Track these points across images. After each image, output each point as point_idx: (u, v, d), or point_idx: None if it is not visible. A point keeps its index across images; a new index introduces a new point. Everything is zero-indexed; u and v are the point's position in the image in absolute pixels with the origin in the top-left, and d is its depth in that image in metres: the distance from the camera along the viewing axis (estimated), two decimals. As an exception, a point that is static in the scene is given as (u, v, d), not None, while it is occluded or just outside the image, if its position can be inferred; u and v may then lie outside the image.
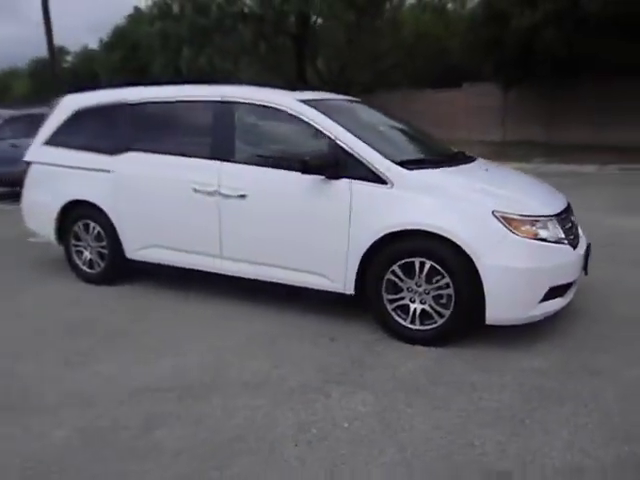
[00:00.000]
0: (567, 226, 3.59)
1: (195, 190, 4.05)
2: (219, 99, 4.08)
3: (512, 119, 17.34)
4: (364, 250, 3.53)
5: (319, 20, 16.70)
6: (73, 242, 4.84)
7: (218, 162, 4.00)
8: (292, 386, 3.01)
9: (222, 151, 4.01)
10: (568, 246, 3.48)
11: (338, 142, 3.62)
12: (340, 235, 3.60)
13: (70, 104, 4.89)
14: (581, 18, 11.08)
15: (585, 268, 3.71)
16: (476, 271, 3.25)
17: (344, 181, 3.57)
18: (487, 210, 3.31)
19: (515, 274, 3.24)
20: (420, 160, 3.80)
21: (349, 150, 3.59)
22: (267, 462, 2.38)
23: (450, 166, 3.84)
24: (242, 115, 4.05)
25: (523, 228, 3.29)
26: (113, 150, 4.50)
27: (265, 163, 3.90)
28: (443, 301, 3.41)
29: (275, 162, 3.87)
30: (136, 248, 4.49)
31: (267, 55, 17.10)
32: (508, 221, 3.28)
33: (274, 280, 3.96)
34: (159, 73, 17.30)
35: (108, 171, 4.49)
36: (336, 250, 3.64)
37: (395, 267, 3.48)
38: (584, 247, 3.70)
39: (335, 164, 3.57)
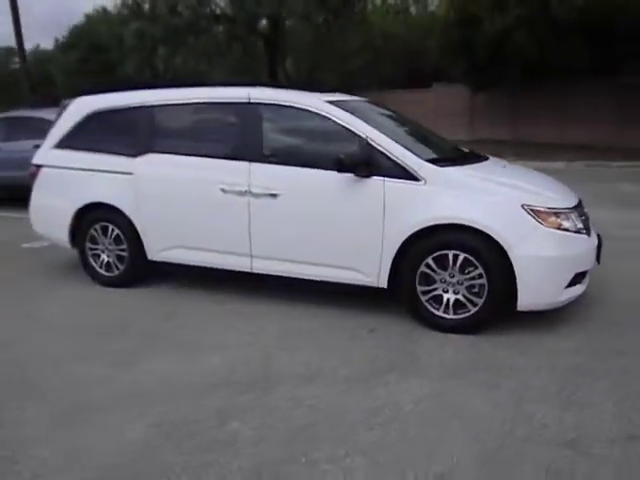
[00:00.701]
0: (583, 218, 3.85)
1: (224, 190, 4.12)
2: (246, 100, 4.17)
3: (480, 119, 17.94)
4: (398, 245, 3.70)
5: (290, 21, 16.79)
6: (89, 245, 4.81)
7: (247, 163, 4.08)
8: (346, 375, 3.15)
9: (251, 152, 4.09)
10: (585, 236, 3.74)
11: (370, 141, 3.76)
12: (374, 231, 3.75)
13: (82, 107, 4.86)
14: (551, 22, 11.63)
15: (598, 258, 3.97)
16: (508, 261, 3.46)
17: (377, 179, 3.73)
18: (517, 203, 3.53)
19: (545, 262, 3.47)
20: (445, 158, 3.99)
21: (381, 149, 3.74)
22: (347, 445, 2.51)
23: (472, 163, 4.05)
24: (270, 116, 4.14)
25: (549, 220, 3.52)
26: (134, 152, 4.51)
27: (296, 163, 4.01)
28: (475, 290, 3.61)
29: (306, 162, 3.98)
30: (159, 249, 4.52)
31: (240, 56, 17.10)
32: (536, 213, 3.51)
33: (305, 277, 4.07)
34: (133, 74, 17.01)
35: (129, 173, 4.49)
36: (370, 246, 3.78)
37: (429, 260, 3.66)
38: (596, 237, 3.98)
39: (368, 163, 3.71)
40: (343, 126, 3.88)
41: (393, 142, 3.77)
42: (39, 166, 4.96)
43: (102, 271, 4.81)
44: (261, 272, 4.21)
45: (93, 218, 4.73)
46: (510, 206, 3.54)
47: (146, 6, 15.47)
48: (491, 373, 3.16)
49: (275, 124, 4.20)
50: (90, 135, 4.79)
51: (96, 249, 4.80)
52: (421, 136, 4.60)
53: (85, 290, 4.73)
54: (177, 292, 4.62)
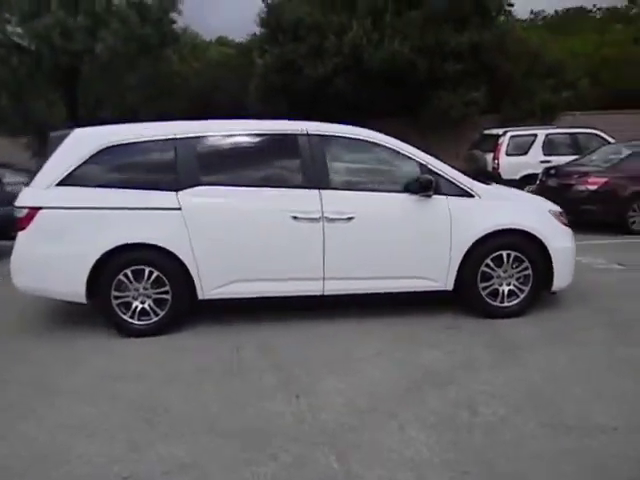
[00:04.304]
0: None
1: (295, 218, 4.23)
2: (305, 132, 4.37)
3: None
4: (464, 251, 4.40)
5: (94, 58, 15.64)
6: (115, 294, 4.23)
7: (316, 190, 4.29)
8: (487, 361, 3.70)
9: (318, 179, 4.31)
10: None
11: (430, 166, 4.42)
12: (443, 242, 4.38)
13: (88, 140, 4.29)
14: (364, 71, 13.70)
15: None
16: (546, 254, 4.48)
17: (441, 197, 4.39)
18: (545, 209, 4.63)
19: (568, 252, 4.60)
20: (475, 177, 4.85)
21: (440, 172, 4.42)
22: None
23: (485, 182, 5.01)
24: (330, 146, 4.43)
25: (562, 219, 4.69)
26: (175, 186, 4.22)
27: (362, 187, 4.41)
28: (522, 281, 4.53)
29: (371, 186, 4.43)
30: (214, 286, 4.29)
31: (45, 89, 15.21)
32: (556, 215, 4.64)
33: (376, 291, 4.44)
34: None
35: (174, 208, 4.18)
36: (439, 255, 4.40)
37: (488, 260, 4.46)
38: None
39: (433, 184, 4.34)
40: (400, 152, 4.45)
41: (447, 166, 4.49)
42: (34, 208, 4.17)
43: (134, 320, 4.28)
44: (332, 293, 4.41)
45: (122, 262, 4.20)
46: (541, 211, 4.61)
47: None
48: (566, 344, 4.08)
49: (336, 153, 4.49)
50: (108, 170, 4.29)
51: (125, 297, 4.26)
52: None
53: (119, 339, 4.16)
54: (230, 331, 4.42)
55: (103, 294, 4.23)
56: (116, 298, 4.25)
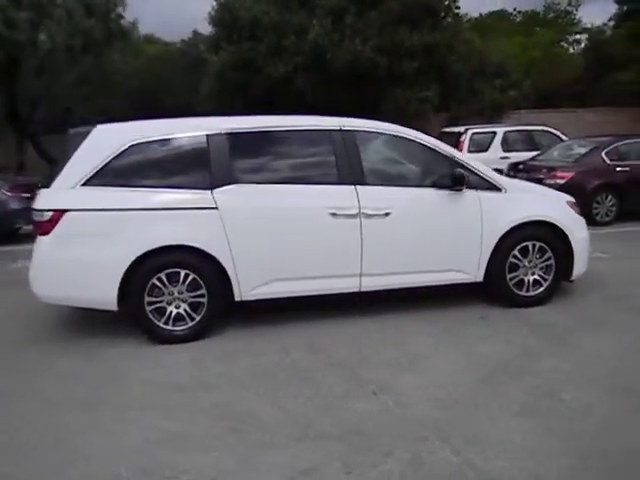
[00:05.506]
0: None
1: (334, 215, 4.17)
2: (339, 128, 4.32)
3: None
4: (495, 243, 4.52)
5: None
6: (149, 300, 4.00)
7: (352, 186, 4.25)
8: (543, 349, 3.81)
9: (353, 176, 4.27)
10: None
11: (459, 161, 4.49)
12: (475, 234, 4.48)
13: (115, 137, 4.03)
14: (325, 70, 13.72)
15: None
16: (567, 244, 4.68)
17: (472, 191, 4.47)
18: (563, 201, 4.84)
19: (586, 241, 4.82)
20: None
21: (469, 166, 4.51)
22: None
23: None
24: (363, 142, 4.39)
25: (576, 209, 4.91)
26: (208, 185, 4.05)
27: (397, 183, 4.43)
28: (544, 270, 4.71)
29: (406, 181, 4.46)
30: (253, 287, 4.15)
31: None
32: (572, 206, 4.86)
33: (411, 285, 4.47)
34: None
35: (210, 208, 4.01)
36: (472, 247, 4.49)
37: (515, 251, 4.59)
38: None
39: (466, 179, 4.42)
40: (430, 147, 4.49)
41: (476, 161, 4.58)
42: (60, 211, 3.85)
43: (168, 327, 4.06)
44: (369, 289, 4.39)
45: (157, 266, 3.97)
46: (561, 203, 4.82)
47: None
48: (595, 329, 4.30)
49: (367, 149, 4.46)
50: (136, 168, 4.04)
51: (159, 302, 4.03)
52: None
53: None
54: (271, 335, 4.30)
55: (136, 300, 3.99)
56: (149, 304, 4.02)
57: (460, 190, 4.41)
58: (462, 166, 4.46)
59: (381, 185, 4.37)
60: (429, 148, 4.50)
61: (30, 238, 8.62)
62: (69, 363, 3.82)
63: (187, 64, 19.90)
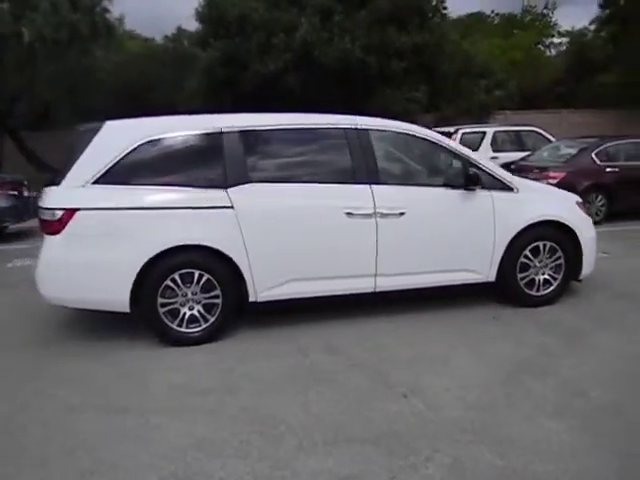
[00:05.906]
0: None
1: (349, 214, 4.12)
2: (354, 126, 4.27)
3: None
4: (507, 243, 4.52)
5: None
6: (162, 301, 3.90)
7: (367, 186, 4.20)
8: (561, 348, 3.82)
9: (368, 175, 4.22)
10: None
11: (472, 161, 4.48)
12: (488, 234, 4.47)
13: (127, 133, 3.91)
14: (314, 67, 13.64)
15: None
16: (576, 244, 4.71)
17: (485, 191, 4.47)
18: (573, 201, 4.86)
19: (593, 241, 4.86)
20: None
21: (482, 166, 4.50)
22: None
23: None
24: (378, 141, 4.34)
25: (584, 209, 4.95)
26: (223, 183, 3.96)
27: (412, 182, 4.40)
28: (554, 269, 4.73)
29: (421, 180, 4.44)
30: (268, 287, 4.07)
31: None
32: (580, 206, 4.89)
33: (425, 285, 4.44)
34: None
35: (225, 207, 3.92)
36: (485, 247, 4.48)
37: (527, 251, 4.61)
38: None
39: (480, 179, 4.41)
40: (444, 147, 4.47)
41: (488, 161, 4.58)
42: (70, 210, 3.72)
43: (182, 328, 3.97)
44: (384, 289, 4.35)
45: (171, 266, 3.87)
46: (570, 203, 4.84)
47: None
48: (604, 329, 4.33)
49: (382, 148, 4.42)
50: (148, 166, 3.93)
51: (172, 303, 3.93)
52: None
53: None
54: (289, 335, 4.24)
55: (148, 301, 3.88)
56: (162, 305, 3.92)
57: (474, 190, 4.41)
58: (475, 166, 4.46)
59: (396, 184, 4.34)
60: (442, 147, 4.48)
61: (19, 237, 8.65)
62: (80, 366, 3.69)
63: (171, 61, 19.61)
